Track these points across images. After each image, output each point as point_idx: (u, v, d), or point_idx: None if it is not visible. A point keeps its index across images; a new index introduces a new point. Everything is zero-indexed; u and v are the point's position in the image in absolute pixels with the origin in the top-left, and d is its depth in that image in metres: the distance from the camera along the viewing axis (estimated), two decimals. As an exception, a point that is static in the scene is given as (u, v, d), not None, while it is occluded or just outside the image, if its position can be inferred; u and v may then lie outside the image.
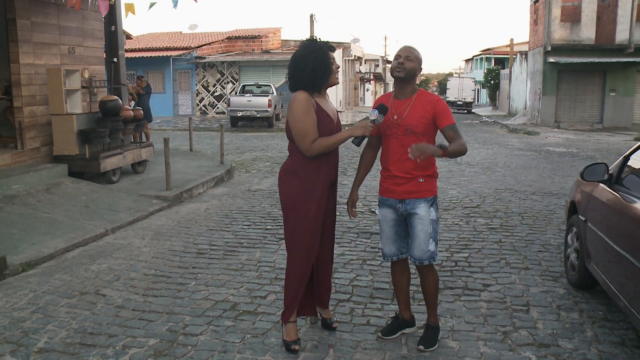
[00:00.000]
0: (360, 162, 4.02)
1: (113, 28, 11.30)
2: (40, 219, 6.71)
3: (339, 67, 3.74)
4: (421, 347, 3.74)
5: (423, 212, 3.63)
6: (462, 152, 3.57)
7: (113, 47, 11.36)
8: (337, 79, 3.75)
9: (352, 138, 3.62)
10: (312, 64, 3.61)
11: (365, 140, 3.75)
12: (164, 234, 6.67)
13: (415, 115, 3.58)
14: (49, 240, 6.04)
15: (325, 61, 3.63)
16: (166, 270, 5.39)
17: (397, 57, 3.64)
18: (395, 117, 3.64)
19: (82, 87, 9.52)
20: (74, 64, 9.70)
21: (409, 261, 3.86)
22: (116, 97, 9.59)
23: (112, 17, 11.16)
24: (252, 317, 4.28)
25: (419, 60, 3.65)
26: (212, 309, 4.43)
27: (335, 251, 5.35)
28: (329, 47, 3.72)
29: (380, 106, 3.61)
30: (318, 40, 3.75)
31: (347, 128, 3.69)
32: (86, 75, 9.67)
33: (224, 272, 5.32)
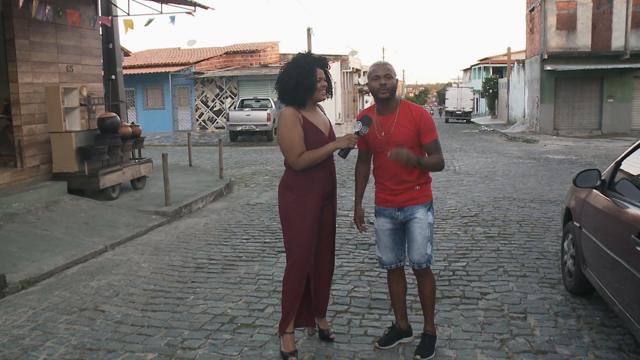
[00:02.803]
0: (356, 177, 4.07)
1: (111, 45, 11.44)
2: (40, 237, 6.75)
3: (325, 86, 3.73)
4: (418, 357, 3.76)
5: (421, 216, 3.71)
6: (437, 167, 3.72)
7: (111, 65, 11.49)
8: (323, 95, 3.76)
9: (338, 150, 3.66)
10: (294, 80, 3.67)
11: (351, 151, 3.79)
12: (163, 249, 6.69)
13: (401, 130, 3.65)
14: (48, 258, 6.06)
15: (307, 78, 3.66)
16: (165, 285, 5.42)
17: (376, 77, 3.65)
18: (383, 134, 3.69)
19: (81, 104, 9.58)
20: (72, 82, 9.77)
21: (408, 265, 3.89)
22: (114, 114, 9.65)
23: (109, 35, 11.31)
24: (250, 330, 4.30)
25: (396, 74, 3.71)
26: (210, 323, 4.45)
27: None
28: (319, 62, 3.75)
29: (364, 117, 3.66)
30: (307, 55, 3.79)
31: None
32: (84, 93, 9.73)
33: (223, 285, 5.34)
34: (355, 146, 3.70)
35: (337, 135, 3.88)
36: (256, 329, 4.32)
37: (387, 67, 3.68)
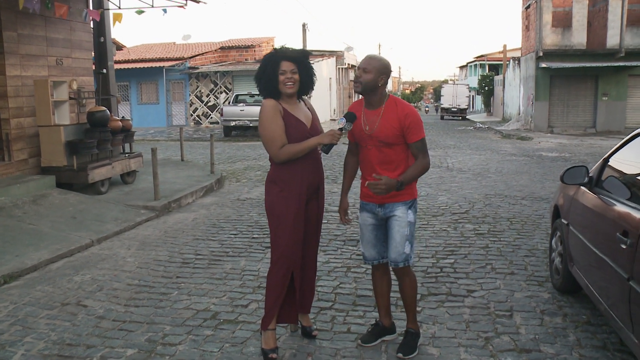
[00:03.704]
0: (344, 169, 4.01)
1: (102, 39, 11.34)
2: (25, 231, 6.68)
3: (290, 78, 3.65)
4: (400, 354, 3.71)
5: (401, 214, 3.63)
6: (421, 174, 3.64)
7: (102, 58, 11.39)
8: (290, 88, 3.67)
9: (321, 145, 3.61)
10: (259, 74, 3.70)
11: (334, 147, 3.73)
12: (150, 244, 6.63)
13: (384, 128, 3.56)
14: (32, 252, 6.00)
15: (266, 70, 3.66)
16: (150, 280, 5.36)
17: (357, 68, 3.63)
18: (367, 128, 3.62)
19: (70, 98, 9.50)
20: (61, 75, 9.68)
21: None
22: (104, 108, 9.57)
23: (101, 28, 11.21)
24: (232, 326, 4.25)
25: (377, 70, 3.54)
26: (192, 319, 4.40)
27: (320, 258, 5.36)
28: (286, 55, 3.68)
29: (348, 114, 3.61)
30: (278, 49, 3.75)
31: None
32: (74, 87, 9.65)
33: (208, 281, 5.29)
34: (339, 142, 3.65)
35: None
36: (238, 325, 4.27)
37: (369, 60, 3.57)
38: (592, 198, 4.10)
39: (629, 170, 3.93)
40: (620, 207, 3.53)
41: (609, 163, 4.20)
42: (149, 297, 4.90)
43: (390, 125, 3.54)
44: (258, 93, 23.91)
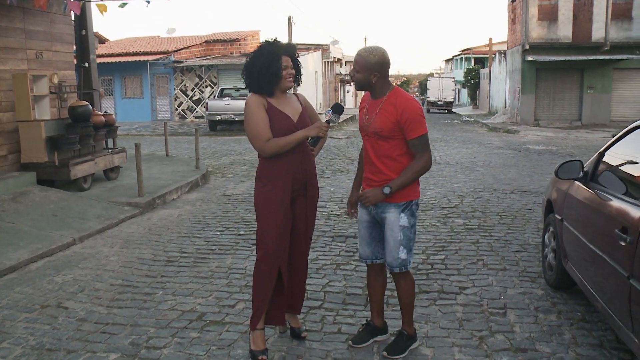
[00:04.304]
0: (358, 162, 3.85)
1: (84, 32, 11.08)
2: (4, 230, 6.47)
3: (291, 73, 3.57)
4: (384, 353, 3.59)
5: (392, 217, 3.46)
6: (419, 174, 3.44)
7: (84, 52, 11.13)
8: (290, 82, 3.59)
9: (309, 138, 3.49)
10: (258, 68, 3.53)
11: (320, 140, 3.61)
12: (134, 242, 6.46)
13: (381, 119, 3.41)
14: (11, 252, 5.81)
15: (272, 66, 3.51)
16: (133, 279, 5.20)
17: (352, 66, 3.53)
18: (367, 118, 3.50)
19: (51, 92, 9.27)
20: (42, 69, 9.44)
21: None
22: (86, 103, 9.33)
23: (82, 21, 10.94)
24: (219, 327, 4.11)
25: (367, 69, 3.38)
26: (178, 320, 4.25)
27: (308, 255, 5.21)
28: (285, 50, 3.59)
29: (335, 106, 3.49)
30: (273, 43, 3.62)
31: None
32: (55, 81, 9.42)
33: (193, 280, 5.14)
34: (326, 135, 3.53)
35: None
36: (225, 326, 4.13)
37: (356, 59, 3.41)
38: (588, 193, 4.00)
39: (625, 164, 3.83)
40: (618, 203, 3.43)
41: (604, 157, 4.11)
42: (133, 297, 4.75)
43: (386, 118, 3.39)
44: (244, 87, 23.81)
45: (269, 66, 3.50)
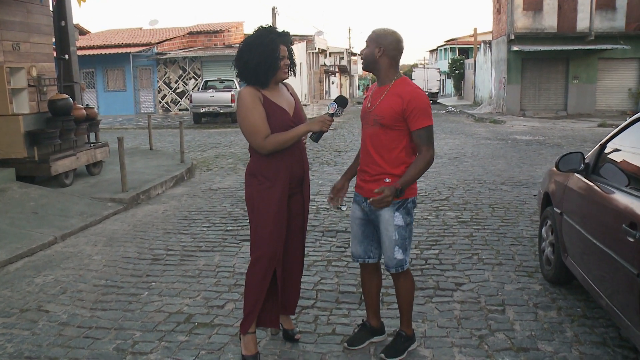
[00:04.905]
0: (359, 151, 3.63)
1: (63, 23, 10.74)
2: (-18, 228, 6.23)
3: (288, 64, 3.39)
4: (382, 355, 3.44)
5: (386, 215, 3.27)
6: (424, 170, 3.23)
7: (64, 43, 10.80)
8: (286, 73, 3.40)
9: (311, 133, 3.30)
10: (256, 58, 3.28)
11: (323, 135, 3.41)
12: (118, 240, 6.25)
13: (384, 106, 3.23)
14: (-11, 252, 5.58)
15: (270, 57, 3.28)
16: (118, 279, 5.00)
17: None
18: (369, 105, 3.34)
19: (30, 85, 8.98)
20: (19, 61, 9.13)
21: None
22: (67, 96, 9.06)
23: (61, 12, 10.61)
24: (208, 330, 3.93)
25: (373, 41, 3.24)
26: (164, 323, 4.06)
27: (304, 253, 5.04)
28: (283, 39, 3.37)
29: (339, 98, 3.30)
30: (270, 30, 3.39)
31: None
32: (34, 73, 9.13)
33: (180, 279, 4.95)
34: (329, 129, 3.34)
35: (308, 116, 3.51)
36: (215, 328, 3.95)
37: (370, 35, 3.30)
38: (590, 187, 3.86)
39: (629, 157, 3.69)
40: (625, 197, 3.29)
41: (605, 149, 3.97)
42: (117, 299, 4.55)
43: (390, 105, 3.20)
44: (228, 79, 23.28)
45: (267, 56, 3.28)
